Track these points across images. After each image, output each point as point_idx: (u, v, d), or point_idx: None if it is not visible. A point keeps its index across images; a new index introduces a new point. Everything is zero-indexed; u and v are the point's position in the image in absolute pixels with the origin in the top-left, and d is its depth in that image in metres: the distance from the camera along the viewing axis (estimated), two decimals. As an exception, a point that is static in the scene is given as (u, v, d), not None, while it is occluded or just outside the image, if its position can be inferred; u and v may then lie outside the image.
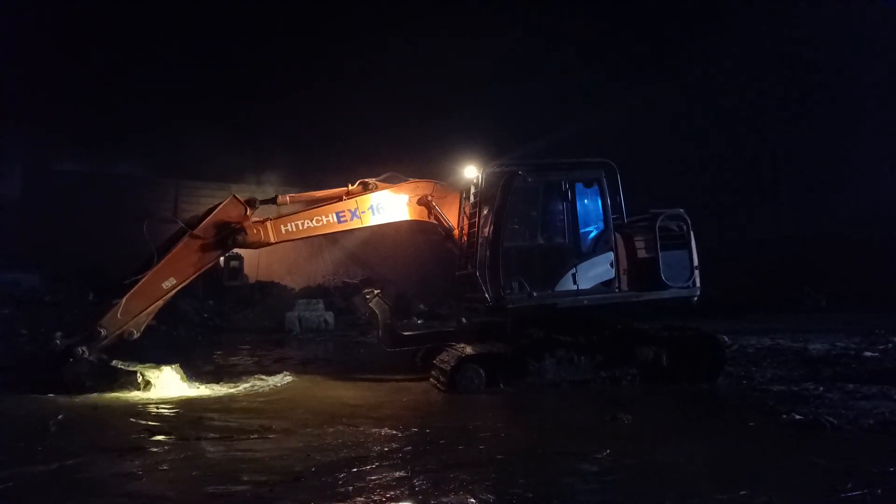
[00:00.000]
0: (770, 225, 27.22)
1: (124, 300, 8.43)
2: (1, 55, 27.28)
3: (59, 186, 30.55)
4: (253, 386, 8.90)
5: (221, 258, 9.84)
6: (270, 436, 5.93)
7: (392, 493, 4.31)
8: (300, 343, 15.89)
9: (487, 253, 8.69)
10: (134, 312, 8.50)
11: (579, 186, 8.90)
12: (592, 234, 8.94)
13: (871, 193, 26.07)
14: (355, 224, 9.40)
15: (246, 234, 8.91)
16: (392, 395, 8.18)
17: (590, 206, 8.99)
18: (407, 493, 4.32)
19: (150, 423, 6.41)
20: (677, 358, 8.33)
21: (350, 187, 9.41)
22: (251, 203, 9.24)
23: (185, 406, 7.43)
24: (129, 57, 34.54)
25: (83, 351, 8.09)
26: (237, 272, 30.26)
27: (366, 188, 9.37)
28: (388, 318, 9.89)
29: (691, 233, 8.85)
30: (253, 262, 31.32)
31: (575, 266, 8.65)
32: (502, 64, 30.91)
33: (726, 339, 10.51)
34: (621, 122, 31.11)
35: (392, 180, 9.59)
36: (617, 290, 8.70)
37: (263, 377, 9.47)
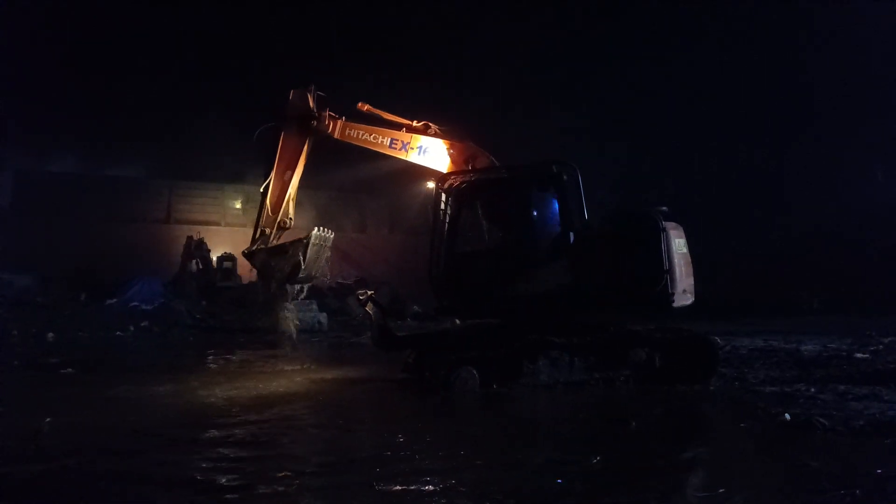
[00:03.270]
0: (763, 227, 27.36)
1: (267, 202, 10.37)
2: (-6, 56, 27.16)
3: (52, 188, 30.45)
4: (252, 386, 8.87)
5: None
6: (262, 439, 5.90)
7: (352, 500, 4.25)
8: (294, 344, 15.82)
9: (439, 260, 8.76)
10: (278, 207, 10.37)
11: (536, 189, 8.85)
12: (550, 238, 8.76)
13: (864, 196, 26.21)
14: (401, 155, 10.22)
15: (318, 121, 10.32)
16: (382, 397, 8.18)
17: (547, 209, 8.82)
18: (366, 499, 4.24)
19: (141, 424, 6.38)
20: (670, 359, 8.28)
21: (414, 123, 10.21)
22: (310, 91, 10.49)
23: (180, 407, 7.41)
24: (123, 58, 34.41)
25: (262, 247, 10.34)
26: (230, 273, 30.30)
27: (425, 129, 10.14)
28: (382, 319, 9.86)
29: (664, 234, 8.23)
30: (246, 262, 31.29)
31: (530, 271, 8.55)
32: (502, 60, 31.01)
33: (719, 340, 10.52)
34: (618, 124, 31.28)
35: (450, 136, 10.12)
36: (574, 295, 8.36)
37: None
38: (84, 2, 33.42)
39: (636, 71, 32.05)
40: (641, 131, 31.22)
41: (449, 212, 8.87)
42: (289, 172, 10.41)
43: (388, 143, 10.22)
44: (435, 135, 10.14)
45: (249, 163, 32.94)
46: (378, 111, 10.49)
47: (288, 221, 10.54)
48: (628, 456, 5.18)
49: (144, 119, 31.61)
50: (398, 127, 10.31)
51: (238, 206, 36.20)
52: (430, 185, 9.95)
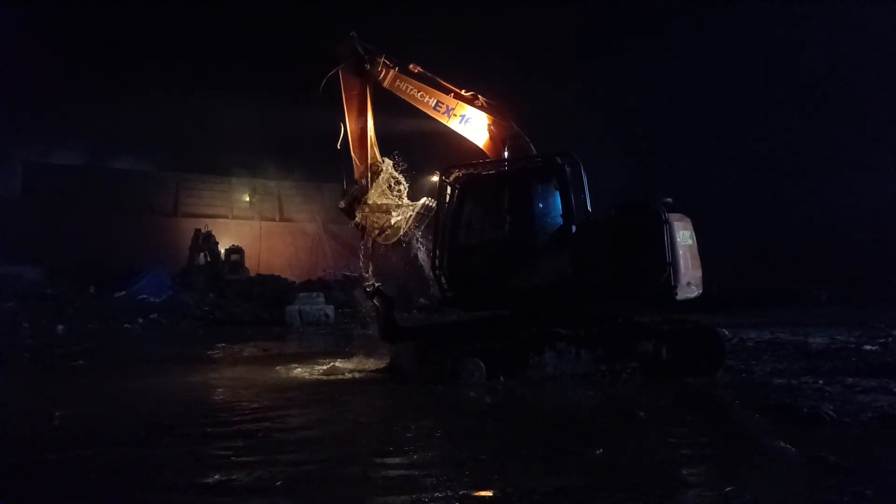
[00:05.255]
0: (771, 219, 27.26)
1: (353, 155, 10.29)
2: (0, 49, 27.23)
3: (60, 181, 30.60)
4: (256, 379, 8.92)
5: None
6: (270, 431, 5.93)
7: (354, 493, 4.24)
8: (301, 336, 15.91)
9: (441, 252, 8.80)
10: (364, 157, 10.29)
11: (538, 181, 8.85)
12: (552, 230, 8.69)
13: (872, 189, 26.07)
14: (443, 119, 10.21)
15: (371, 65, 10.23)
16: (389, 389, 8.19)
17: (549, 202, 8.77)
18: (368, 493, 4.22)
19: (153, 417, 6.42)
20: (677, 351, 8.24)
21: (463, 92, 10.20)
22: (353, 37, 10.48)
23: (190, 400, 7.46)
24: (130, 51, 34.45)
25: (365, 199, 10.17)
26: (238, 266, 30.37)
27: (473, 99, 10.13)
28: (388, 311, 9.88)
29: (667, 226, 8.05)
30: (254, 255, 31.42)
31: (531, 264, 8.53)
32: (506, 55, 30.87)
33: (726, 332, 10.48)
34: (626, 118, 31.16)
35: (495, 111, 10.10)
36: (577, 287, 8.30)
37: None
38: (90, -5, 33.46)
39: (646, 62, 31.95)
40: (650, 123, 31.13)
41: (453, 204, 8.87)
42: (361, 118, 10.36)
43: (433, 105, 10.18)
44: (481, 107, 10.10)
45: (257, 156, 32.99)
46: (429, 73, 10.40)
47: (379, 165, 10.44)
48: (633, 449, 5.16)
49: (152, 112, 31.67)
50: (447, 91, 10.28)
51: (246, 198, 36.36)
52: (435, 178, 9.95)
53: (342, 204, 10.47)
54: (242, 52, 36.45)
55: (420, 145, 12.24)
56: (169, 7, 34.89)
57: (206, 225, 29.39)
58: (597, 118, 30.94)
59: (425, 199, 10.24)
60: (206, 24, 35.06)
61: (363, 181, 10.31)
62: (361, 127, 10.36)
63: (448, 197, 9.04)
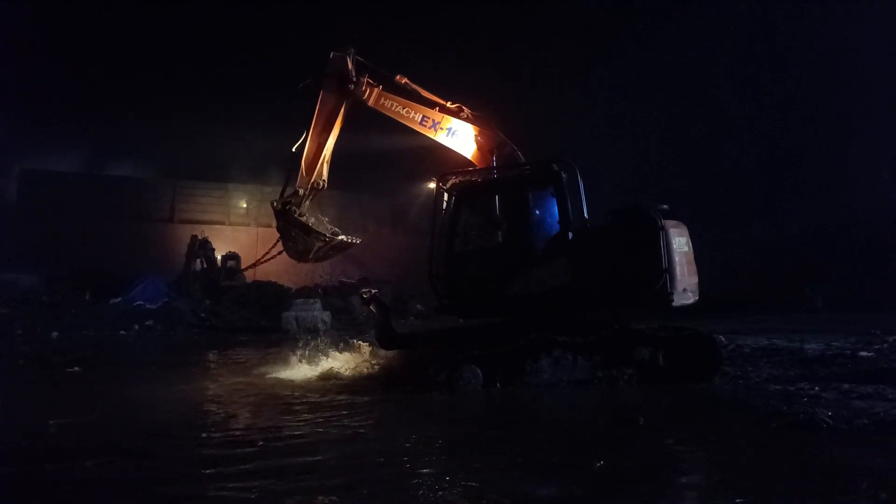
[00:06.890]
0: (767, 225, 27.33)
1: (302, 163, 10.37)
2: (-2, 56, 27.27)
3: (57, 187, 30.58)
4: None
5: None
6: (262, 440, 5.91)
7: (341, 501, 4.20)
8: (297, 343, 15.84)
9: (439, 259, 8.85)
10: (311, 170, 10.37)
11: (534, 188, 8.87)
12: (549, 236, 8.70)
13: (869, 193, 26.15)
14: (430, 133, 10.31)
15: (356, 85, 10.34)
16: (385, 397, 8.16)
17: (546, 207, 8.79)
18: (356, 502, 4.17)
19: (149, 425, 6.40)
20: (674, 358, 8.26)
21: (448, 104, 10.31)
22: (348, 54, 10.54)
23: (185, 408, 7.43)
24: (128, 59, 34.49)
25: (295, 210, 10.29)
26: (234, 272, 30.34)
27: (458, 112, 10.24)
28: (385, 317, 9.88)
29: (663, 232, 8.06)
30: (250, 261, 31.34)
31: (528, 271, 8.53)
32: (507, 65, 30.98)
33: (722, 338, 10.48)
34: (623, 123, 31.25)
35: (481, 122, 10.19)
36: (573, 294, 8.31)
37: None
38: (90, 2, 33.50)
39: (641, 67, 32.07)
40: (646, 129, 31.24)
41: (449, 211, 8.90)
42: (325, 134, 10.40)
43: (419, 120, 10.28)
44: (467, 119, 10.17)
45: (255, 162, 32.97)
46: (415, 86, 10.49)
47: (322, 183, 10.55)
48: (632, 458, 5.13)
49: (149, 119, 31.70)
50: (432, 105, 10.35)
51: (243, 205, 36.36)
52: (432, 185, 10.02)
53: (276, 205, 10.55)
54: (240, 58, 36.48)
55: (408, 156, 12.32)
56: (167, 14, 34.94)
57: (202, 231, 29.38)
58: (593, 124, 31.07)
59: (343, 236, 10.66)
60: (204, 30, 35.13)
61: (301, 191, 10.39)
62: (320, 143, 10.39)
63: (444, 204, 9.06)
